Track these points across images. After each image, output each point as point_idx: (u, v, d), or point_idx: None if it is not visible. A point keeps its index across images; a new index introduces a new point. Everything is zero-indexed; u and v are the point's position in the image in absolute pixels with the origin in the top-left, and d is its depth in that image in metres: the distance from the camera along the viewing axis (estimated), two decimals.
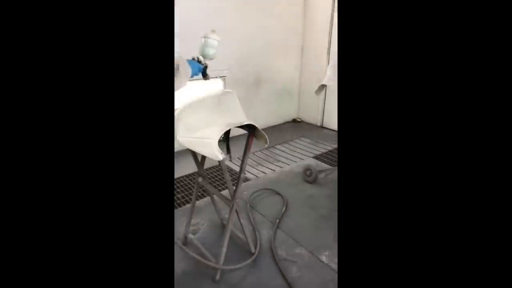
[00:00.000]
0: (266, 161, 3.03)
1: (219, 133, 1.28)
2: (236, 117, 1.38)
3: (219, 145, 1.21)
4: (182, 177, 2.69)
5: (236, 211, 1.54)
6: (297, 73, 4.08)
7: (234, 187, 1.55)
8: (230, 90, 1.48)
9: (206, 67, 1.41)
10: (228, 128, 1.30)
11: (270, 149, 3.28)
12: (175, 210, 2.22)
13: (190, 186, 2.55)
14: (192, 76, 1.34)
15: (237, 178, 1.50)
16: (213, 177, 2.73)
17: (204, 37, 1.39)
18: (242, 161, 1.48)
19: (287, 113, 4.21)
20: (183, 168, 2.80)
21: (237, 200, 1.52)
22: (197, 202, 2.30)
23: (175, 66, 1.20)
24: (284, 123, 4.14)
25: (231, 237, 1.94)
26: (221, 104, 1.39)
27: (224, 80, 3.33)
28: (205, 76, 1.44)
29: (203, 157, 1.74)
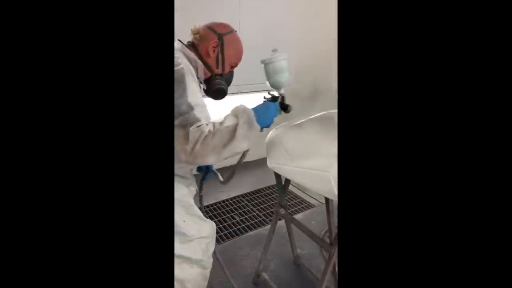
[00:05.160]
0: None
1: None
2: None
3: None
4: (238, 196, 2.44)
5: (335, 262, 1.24)
6: None
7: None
8: None
9: (283, 98, 1.06)
10: None
11: None
12: (235, 239, 1.95)
13: (249, 208, 2.28)
14: (268, 125, 0.98)
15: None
16: (268, 200, 2.44)
17: (268, 63, 1.02)
18: None
19: None
20: (238, 186, 2.55)
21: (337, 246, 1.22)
22: (257, 230, 2.03)
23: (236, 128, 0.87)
24: None
25: (308, 279, 1.65)
26: (333, 128, 1.10)
27: None
28: (286, 109, 1.05)
29: (287, 183, 1.47)
